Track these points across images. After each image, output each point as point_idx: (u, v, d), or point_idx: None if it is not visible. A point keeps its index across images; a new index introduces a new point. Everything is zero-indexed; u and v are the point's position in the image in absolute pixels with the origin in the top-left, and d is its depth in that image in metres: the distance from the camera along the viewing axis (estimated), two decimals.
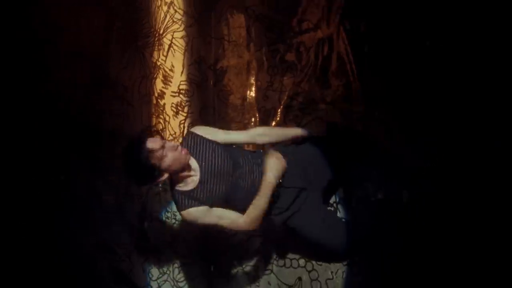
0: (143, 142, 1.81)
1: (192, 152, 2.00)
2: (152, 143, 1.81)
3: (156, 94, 2.98)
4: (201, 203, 1.99)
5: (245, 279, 2.77)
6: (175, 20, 3.00)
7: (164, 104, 2.99)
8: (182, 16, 3.00)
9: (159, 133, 2.74)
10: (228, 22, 2.92)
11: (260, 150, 2.28)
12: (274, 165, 2.00)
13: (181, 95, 3.01)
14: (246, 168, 2.06)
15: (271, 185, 1.98)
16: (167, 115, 2.99)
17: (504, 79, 1.93)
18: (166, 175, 1.90)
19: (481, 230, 1.93)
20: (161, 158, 1.82)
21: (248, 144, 2.40)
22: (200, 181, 1.99)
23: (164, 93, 3.01)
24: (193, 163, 1.99)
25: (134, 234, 2.69)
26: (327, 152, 2.23)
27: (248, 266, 2.78)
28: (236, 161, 2.04)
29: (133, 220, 2.61)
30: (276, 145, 2.36)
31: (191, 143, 2.04)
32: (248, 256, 2.80)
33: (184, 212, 2.00)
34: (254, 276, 2.76)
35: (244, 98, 2.89)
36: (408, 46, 2.23)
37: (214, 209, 2.02)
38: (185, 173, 1.96)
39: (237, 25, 2.90)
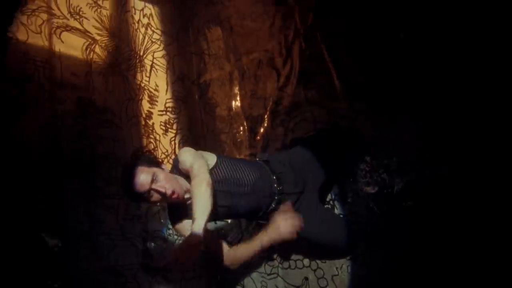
0: (132, 176, 1.82)
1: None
2: (139, 186, 1.82)
3: (143, 115, 3.02)
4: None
5: (253, 286, 2.80)
6: (153, 40, 3.06)
7: (153, 123, 3.03)
8: (160, 36, 3.05)
9: (151, 152, 2.77)
10: (206, 37, 2.98)
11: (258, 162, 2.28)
12: (278, 230, 1.93)
13: (168, 113, 3.05)
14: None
15: (263, 247, 1.95)
16: (157, 134, 3.03)
17: (484, 68, 1.97)
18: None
19: (481, 217, 1.93)
20: (148, 195, 1.85)
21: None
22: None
23: (152, 113, 3.05)
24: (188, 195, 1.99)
25: (139, 255, 2.70)
26: (319, 152, 2.29)
27: (254, 273, 2.80)
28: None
29: (136, 241, 2.62)
30: (275, 154, 2.40)
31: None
32: (253, 263, 2.83)
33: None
34: (261, 282, 2.79)
35: (230, 108, 2.95)
36: (384, 39, 2.26)
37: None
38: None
39: (215, 38, 2.95)
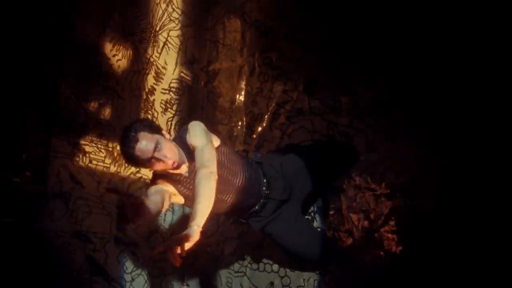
0: (134, 141, 1.73)
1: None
2: (141, 153, 1.73)
3: (146, 90, 3.01)
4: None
5: (218, 279, 2.79)
6: (172, 18, 3.04)
7: (154, 100, 3.01)
8: (180, 15, 3.03)
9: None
10: (224, 26, 2.96)
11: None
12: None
13: (171, 93, 3.04)
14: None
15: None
16: (156, 111, 3.01)
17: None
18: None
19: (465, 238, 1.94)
20: (148, 163, 1.77)
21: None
22: (185, 186, 1.94)
23: (155, 89, 3.03)
24: (183, 168, 1.91)
25: (113, 227, 2.69)
26: (311, 163, 2.25)
27: (222, 267, 2.80)
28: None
29: (112, 211, 2.61)
30: (268, 153, 2.39)
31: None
32: (223, 257, 2.83)
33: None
34: (227, 277, 2.79)
35: (233, 101, 2.92)
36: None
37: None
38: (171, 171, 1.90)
39: (232, 29, 2.93)
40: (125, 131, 1.77)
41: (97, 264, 2.59)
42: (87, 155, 2.54)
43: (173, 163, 1.78)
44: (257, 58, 2.84)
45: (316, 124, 2.60)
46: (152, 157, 1.74)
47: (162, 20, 3.05)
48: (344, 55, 2.45)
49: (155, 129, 1.82)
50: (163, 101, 3.04)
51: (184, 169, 1.91)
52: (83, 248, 2.53)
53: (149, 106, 2.99)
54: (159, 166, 1.79)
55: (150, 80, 3.02)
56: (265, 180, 2.09)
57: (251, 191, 2.03)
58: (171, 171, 1.85)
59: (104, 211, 2.58)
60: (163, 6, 3.02)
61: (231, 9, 2.95)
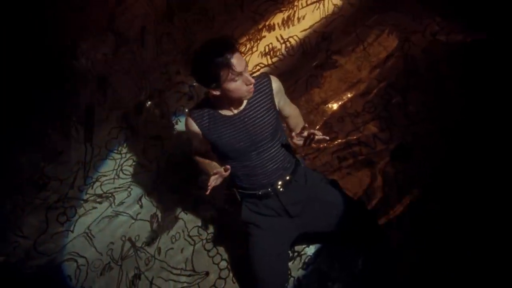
0: (231, 51, 1.68)
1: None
2: (237, 62, 1.69)
3: None
4: (208, 131, 1.89)
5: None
6: None
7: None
8: None
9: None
10: None
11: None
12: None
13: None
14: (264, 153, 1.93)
15: None
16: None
17: None
18: (218, 93, 1.77)
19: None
20: (230, 79, 1.71)
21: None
22: (231, 122, 1.87)
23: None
24: (244, 104, 1.88)
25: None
26: (333, 209, 2.08)
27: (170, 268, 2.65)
28: (260, 139, 1.90)
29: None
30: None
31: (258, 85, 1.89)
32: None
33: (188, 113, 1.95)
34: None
35: (325, 100, 2.78)
36: None
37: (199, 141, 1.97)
38: (229, 106, 1.85)
39: None
40: (223, 39, 1.76)
41: None
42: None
43: (252, 90, 1.79)
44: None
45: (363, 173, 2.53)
46: (242, 74, 1.71)
47: None
48: None
49: None
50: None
51: (243, 105, 1.87)
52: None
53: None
54: (237, 87, 1.74)
55: None
56: (287, 178, 1.99)
57: (269, 171, 1.96)
58: (237, 98, 1.81)
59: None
60: None
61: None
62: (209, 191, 1.71)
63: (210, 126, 1.88)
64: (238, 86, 1.74)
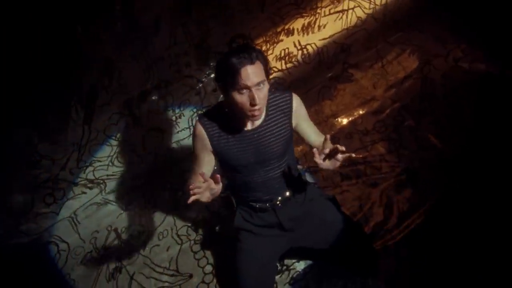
0: (249, 61, 1.57)
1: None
2: (247, 74, 1.57)
3: None
4: (216, 142, 1.78)
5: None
6: None
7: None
8: None
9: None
10: None
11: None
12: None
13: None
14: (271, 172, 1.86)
15: None
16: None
17: None
18: (224, 97, 1.69)
19: None
20: (238, 90, 1.59)
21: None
22: (243, 136, 1.78)
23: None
24: (260, 120, 1.78)
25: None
26: (333, 229, 1.99)
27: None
28: (269, 157, 1.81)
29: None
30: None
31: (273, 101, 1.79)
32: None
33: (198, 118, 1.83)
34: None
35: (335, 114, 2.69)
36: None
37: (203, 156, 1.82)
38: (244, 119, 1.73)
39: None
40: (246, 46, 1.63)
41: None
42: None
43: (259, 110, 1.63)
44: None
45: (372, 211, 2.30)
46: (250, 88, 1.58)
47: None
48: None
49: (268, 70, 1.68)
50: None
51: (260, 121, 1.77)
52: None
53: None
54: (240, 101, 1.61)
55: None
56: (287, 193, 1.93)
57: (269, 186, 1.89)
58: (240, 114, 1.68)
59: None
60: None
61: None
62: (191, 200, 1.50)
63: (220, 136, 1.78)
64: (243, 101, 1.61)
